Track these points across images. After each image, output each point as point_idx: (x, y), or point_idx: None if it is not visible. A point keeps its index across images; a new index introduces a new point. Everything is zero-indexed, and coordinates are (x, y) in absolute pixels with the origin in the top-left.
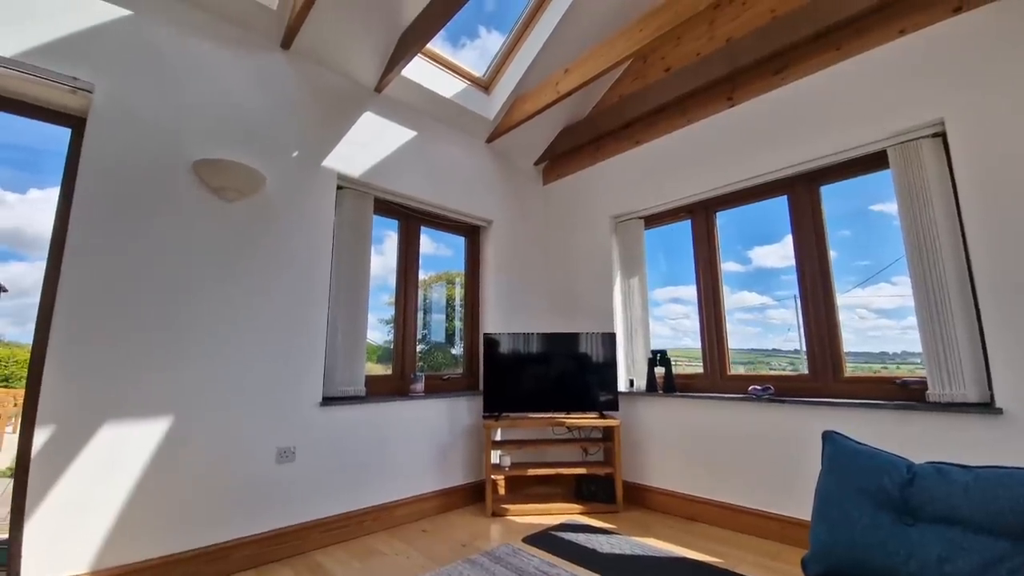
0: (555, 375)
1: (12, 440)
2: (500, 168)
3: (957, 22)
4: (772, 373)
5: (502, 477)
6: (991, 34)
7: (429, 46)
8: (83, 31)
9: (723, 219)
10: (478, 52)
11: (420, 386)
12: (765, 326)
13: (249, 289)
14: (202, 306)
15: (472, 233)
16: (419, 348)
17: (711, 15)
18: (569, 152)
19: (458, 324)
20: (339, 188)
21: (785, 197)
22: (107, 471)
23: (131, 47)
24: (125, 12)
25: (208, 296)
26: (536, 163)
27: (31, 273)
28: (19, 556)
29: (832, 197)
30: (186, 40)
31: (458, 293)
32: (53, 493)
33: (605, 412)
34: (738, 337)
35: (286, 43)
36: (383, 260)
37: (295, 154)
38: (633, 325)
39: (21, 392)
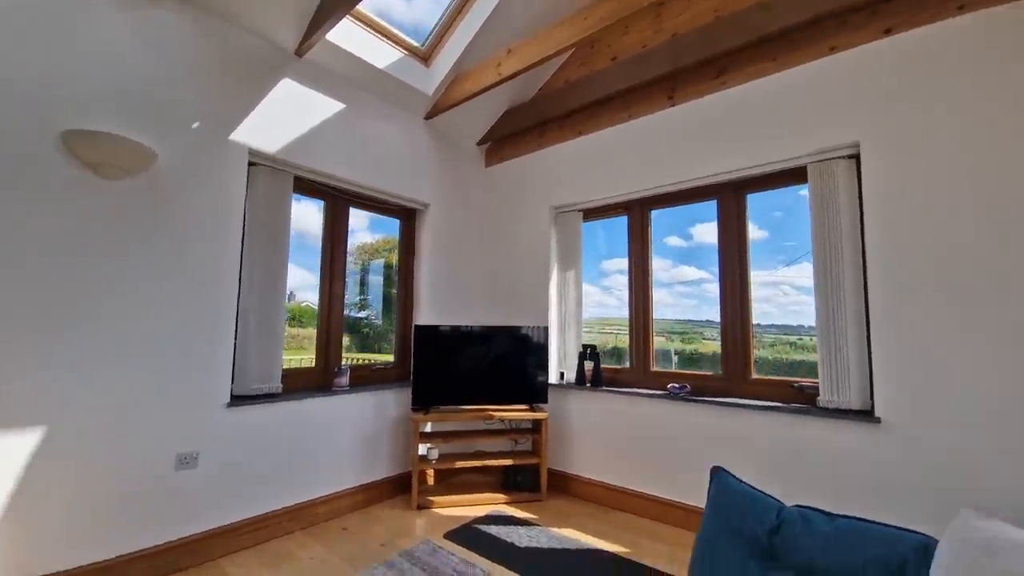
0: (487, 368)
1: None
2: (439, 147)
3: (884, 45)
4: (690, 372)
5: (430, 470)
6: (916, 61)
7: (361, 8)
8: None
9: (661, 211)
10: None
11: (345, 380)
12: (701, 299)
13: (139, 280)
14: (81, 299)
15: (408, 216)
16: (363, 314)
17: (657, 8)
18: (513, 135)
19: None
20: (252, 164)
21: (714, 201)
22: None
23: None
24: None
25: (88, 288)
26: (479, 143)
27: None
28: None
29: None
30: None
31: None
32: None
33: (535, 404)
34: (677, 309)
35: None
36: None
37: (195, 125)
38: (567, 319)
39: None
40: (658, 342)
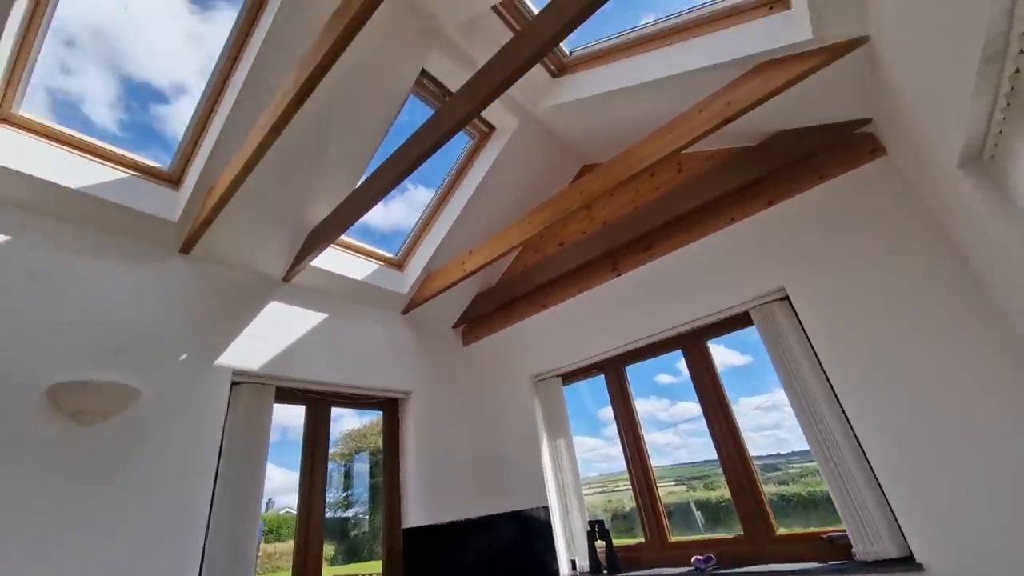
0: (489, 566)
1: None
2: (417, 336)
3: (773, 212)
4: (710, 538)
5: None
6: (802, 219)
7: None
8: None
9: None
10: (407, 203)
11: None
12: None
13: (109, 519)
14: (48, 549)
15: (390, 407)
16: (351, 513)
17: (587, 208)
18: (485, 316)
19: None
20: (234, 384)
21: (680, 352)
22: None
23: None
24: (3, 237)
25: (54, 536)
26: (455, 326)
27: None
28: None
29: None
30: (63, 257)
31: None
32: None
33: None
34: (689, 450)
35: (186, 249)
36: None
37: (182, 358)
38: (567, 494)
39: None
40: (676, 493)
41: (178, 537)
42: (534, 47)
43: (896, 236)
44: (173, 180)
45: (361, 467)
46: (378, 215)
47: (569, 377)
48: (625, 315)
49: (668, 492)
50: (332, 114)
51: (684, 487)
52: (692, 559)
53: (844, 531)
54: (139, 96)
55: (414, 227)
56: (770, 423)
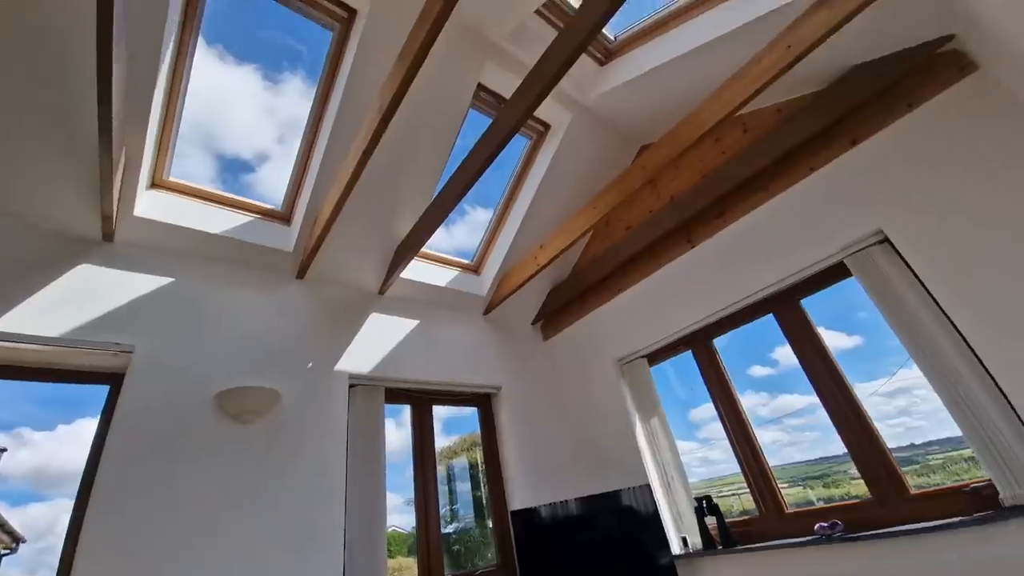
0: (598, 547)
1: None
2: (500, 335)
3: (859, 151)
4: (832, 505)
5: None
6: (902, 153)
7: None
8: (129, 302)
9: (727, 339)
10: (468, 226)
11: None
12: (824, 428)
13: (263, 504)
14: (222, 536)
15: (483, 402)
16: (452, 528)
17: (653, 184)
18: (561, 308)
19: (486, 492)
20: (352, 386)
21: (772, 315)
22: None
23: (169, 307)
24: (166, 280)
25: (228, 525)
26: (533, 323)
27: (48, 514)
28: None
29: (826, 296)
30: (216, 290)
31: (481, 456)
32: None
33: None
34: (800, 448)
35: (301, 274)
36: (403, 432)
37: (309, 365)
38: (667, 471)
39: None
40: (795, 493)
41: (322, 512)
42: (578, 38)
43: (1004, 152)
44: (285, 218)
45: (461, 485)
46: (443, 241)
47: (654, 358)
48: (705, 286)
49: (784, 495)
50: (405, 139)
51: (800, 487)
52: (815, 527)
53: (988, 480)
54: (231, 169)
55: (485, 232)
56: (894, 411)
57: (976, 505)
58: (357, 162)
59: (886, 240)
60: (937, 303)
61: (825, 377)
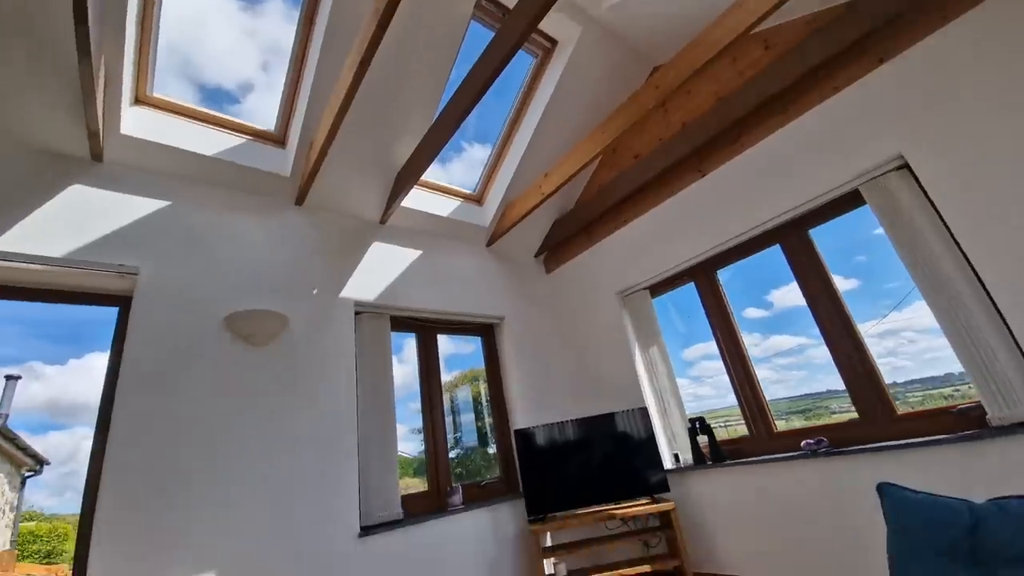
0: (596, 463)
1: None
2: (503, 267)
3: (885, 70)
4: (819, 424)
5: None
6: (923, 72)
7: (424, 176)
8: (129, 224)
9: (729, 272)
10: (466, 164)
11: (458, 498)
12: (810, 367)
13: (281, 427)
14: (240, 452)
15: (487, 331)
16: (454, 454)
17: (663, 108)
18: (565, 241)
19: (489, 422)
20: (357, 314)
21: (779, 246)
22: None
23: (169, 230)
24: (163, 203)
25: (245, 441)
26: (536, 255)
27: (68, 442)
28: None
29: (832, 230)
30: (215, 215)
31: (484, 390)
32: None
33: (656, 495)
34: (786, 385)
35: (299, 200)
36: (406, 368)
37: (315, 292)
38: (664, 396)
39: (62, 568)
40: (779, 425)
41: (336, 433)
42: None
43: None
44: (279, 140)
45: (464, 416)
46: (440, 179)
47: (657, 289)
48: (713, 216)
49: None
50: (403, 56)
51: (783, 420)
52: (802, 443)
53: (976, 402)
54: (215, 99)
55: (487, 160)
56: (883, 351)
57: (963, 425)
58: (353, 75)
59: (905, 167)
60: (951, 233)
61: (825, 302)
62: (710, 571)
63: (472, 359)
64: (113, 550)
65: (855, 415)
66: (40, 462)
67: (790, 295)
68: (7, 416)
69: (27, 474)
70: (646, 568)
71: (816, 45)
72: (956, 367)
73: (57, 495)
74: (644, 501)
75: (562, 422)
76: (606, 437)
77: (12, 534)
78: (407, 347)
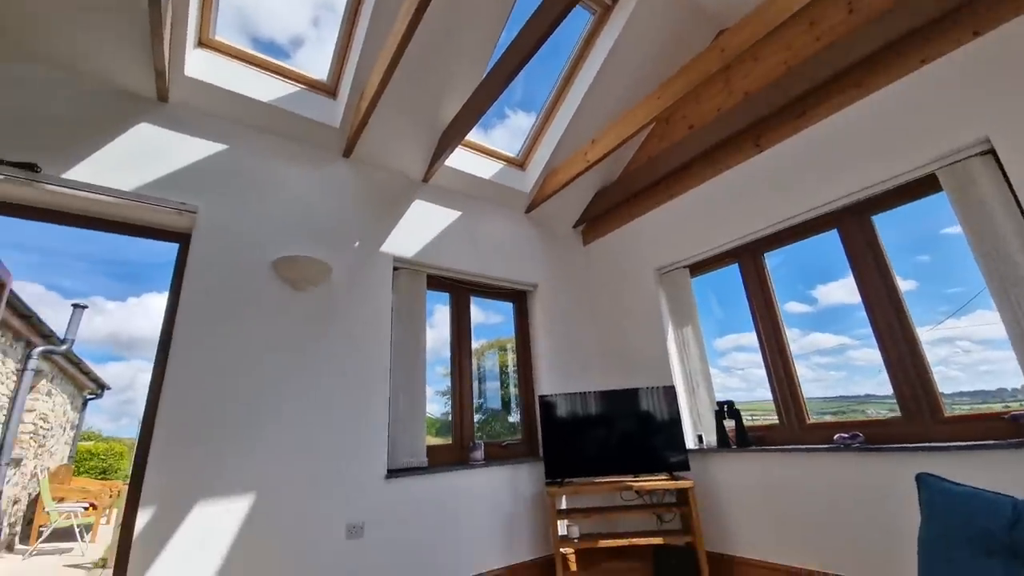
0: (617, 435)
1: (104, 532)
2: (540, 235)
3: (977, 45)
4: (859, 419)
5: (572, 550)
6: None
7: (467, 137)
8: (189, 165)
9: (776, 259)
10: (509, 132)
11: (480, 454)
12: (850, 368)
13: (319, 369)
14: (280, 390)
15: (519, 298)
16: (477, 418)
17: (725, 74)
18: (605, 213)
19: (513, 391)
20: (395, 269)
21: (835, 231)
22: (199, 548)
23: (226, 173)
24: (221, 147)
25: (285, 380)
26: (575, 226)
27: (126, 372)
28: None
29: (895, 223)
30: (268, 161)
31: (510, 360)
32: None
33: (676, 473)
34: (822, 385)
35: (347, 153)
36: (435, 333)
37: (356, 244)
38: (693, 377)
39: (117, 484)
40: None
41: (369, 380)
42: None
43: None
44: (330, 91)
45: (489, 384)
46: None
47: (698, 269)
48: (767, 195)
49: None
50: (455, 8)
51: (816, 417)
52: (836, 436)
53: None
54: (268, 53)
55: (533, 125)
56: (934, 359)
57: (1014, 432)
58: (406, 26)
59: (991, 152)
60: None
61: (881, 295)
62: (724, 551)
63: (499, 330)
64: (166, 468)
65: (897, 415)
66: (101, 387)
67: (837, 291)
68: (72, 341)
69: (88, 397)
70: (658, 540)
71: (905, 12)
72: (1011, 382)
73: (114, 420)
74: (662, 477)
75: (587, 393)
76: (630, 411)
77: (70, 451)
78: (436, 312)
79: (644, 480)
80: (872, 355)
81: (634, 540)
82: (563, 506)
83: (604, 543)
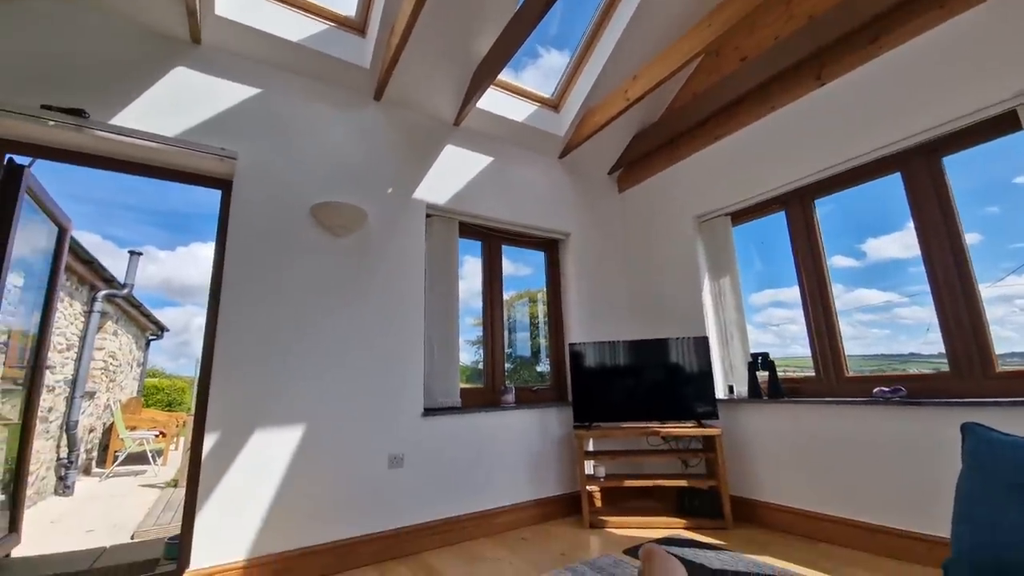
0: (646, 383)
1: (173, 457)
2: (574, 181)
3: None
4: (901, 374)
5: (597, 488)
6: None
7: (499, 76)
8: (227, 110)
9: (824, 208)
10: (542, 73)
11: (511, 397)
12: (895, 327)
13: (358, 312)
14: (324, 328)
15: (551, 247)
16: (507, 366)
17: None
18: (643, 157)
19: (542, 341)
20: (428, 216)
21: (899, 175)
22: (257, 472)
23: (262, 118)
24: (255, 91)
25: (328, 319)
26: (611, 172)
27: (181, 317)
28: (189, 548)
29: (962, 168)
30: (301, 105)
31: (540, 311)
32: (217, 493)
33: (704, 421)
34: (862, 343)
35: (378, 95)
36: (465, 284)
37: (390, 190)
38: (728, 328)
39: (182, 415)
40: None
41: (405, 323)
42: None
43: None
44: (359, 28)
45: (520, 334)
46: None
47: (740, 216)
48: (825, 133)
49: None
50: None
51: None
52: (875, 390)
53: None
54: None
55: (568, 63)
56: (990, 318)
57: None
58: None
59: None
60: None
61: (943, 246)
62: (747, 495)
63: (527, 281)
64: (226, 401)
65: (947, 352)
66: (161, 328)
67: (890, 246)
68: (132, 286)
69: (150, 337)
70: (682, 483)
71: None
72: None
73: (173, 360)
74: (690, 424)
75: (617, 342)
76: (659, 360)
77: (138, 386)
78: (467, 263)
79: (671, 426)
80: (919, 313)
81: (659, 481)
82: (590, 448)
83: (629, 483)
